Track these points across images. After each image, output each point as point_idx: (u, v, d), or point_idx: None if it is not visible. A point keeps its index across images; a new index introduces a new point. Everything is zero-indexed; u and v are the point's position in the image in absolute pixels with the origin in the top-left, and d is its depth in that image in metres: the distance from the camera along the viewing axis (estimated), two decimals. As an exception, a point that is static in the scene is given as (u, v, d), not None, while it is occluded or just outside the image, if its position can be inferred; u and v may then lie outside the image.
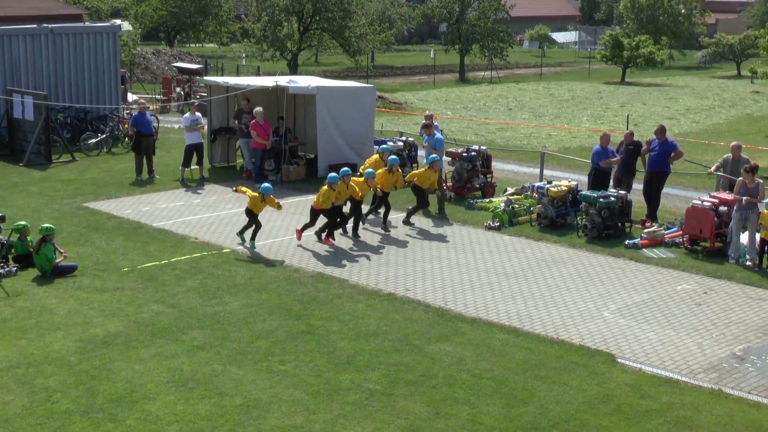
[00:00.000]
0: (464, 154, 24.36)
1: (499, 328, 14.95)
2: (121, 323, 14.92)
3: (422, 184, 21.48)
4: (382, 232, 20.81)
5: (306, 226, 20.09)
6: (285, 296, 16.35)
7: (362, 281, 17.29)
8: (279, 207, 19.90)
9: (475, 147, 25.09)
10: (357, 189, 20.11)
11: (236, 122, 26.60)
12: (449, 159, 24.79)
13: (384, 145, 23.26)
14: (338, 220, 20.14)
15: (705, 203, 19.45)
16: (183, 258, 18.57)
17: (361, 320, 15.17)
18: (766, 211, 18.34)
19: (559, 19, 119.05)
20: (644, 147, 22.25)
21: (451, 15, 68.20)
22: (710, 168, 22.46)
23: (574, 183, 22.09)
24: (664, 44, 76.12)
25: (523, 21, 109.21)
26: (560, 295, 16.65)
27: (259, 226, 19.67)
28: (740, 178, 19.16)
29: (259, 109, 25.22)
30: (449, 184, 24.41)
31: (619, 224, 20.65)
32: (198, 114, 26.31)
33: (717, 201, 19.45)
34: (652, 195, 21.82)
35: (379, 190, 20.79)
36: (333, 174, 19.81)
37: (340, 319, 15.20)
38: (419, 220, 21.96)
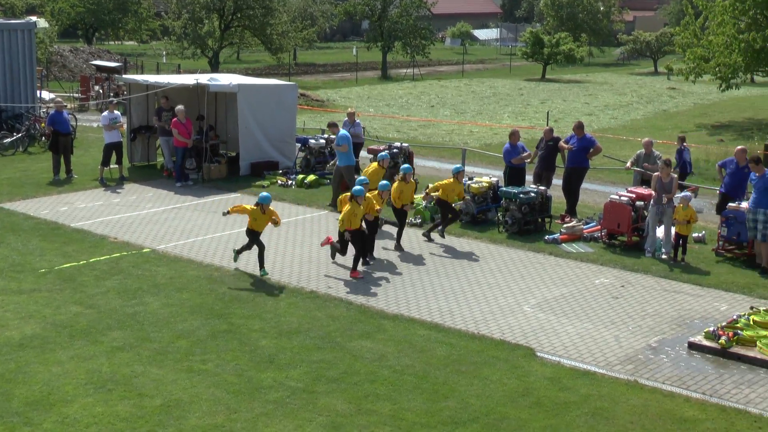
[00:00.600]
0: (386, 152, 24.43)
1: (421, 324, 15.06)
2: (37, 325, 14.69)
3: (447, 197, 19.87)
4: (396, 252, 19.26)
5: (336, 252, 18.33)
6: (206, 295, 16.27)
7: (284, 279, 17.28)
8: (278, 223, 17.92)
9: (397, 144, 25.23)
10: (374, 202, 18.30)
11: (157, 120, 26.36)
12: (371, 156, 24.87)
13: (383, 153, 21.27)
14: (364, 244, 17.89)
15: (622, 198, 19.83)
16: (102, 258, 18.35)
17: (282, 318, 15.16)
18: (680, 205, 18.77)
19: (481, 17, 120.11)
20: (561, 143, 22.57)
21: (373, 12, 68.37)
22: (627, 163, 22.92)
23: (495, 179, 22.35)
24: (584, 41, 77.36)
25: (445, 18, 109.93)
26: (481, 291, 16.83)
27: (262, 247, 17.68)
28: (656, 173, 19.57)
29: (180, 107, 25.03)
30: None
31: (539, 219, 20.96)
32: (117, 112, 26.00)
33: (634, 196, 19.84)
34: (571, 190, 22.17)
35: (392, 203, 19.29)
36: (358, 186, 17.64)
37: (262, 318, 15.17)
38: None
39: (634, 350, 14.10)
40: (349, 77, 63.18)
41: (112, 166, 25.73)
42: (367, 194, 17.85)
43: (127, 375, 12.82)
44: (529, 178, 23.20)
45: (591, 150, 22.23)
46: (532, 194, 20.69)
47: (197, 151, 26.00)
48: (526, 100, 49.80)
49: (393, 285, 17.09)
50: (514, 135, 22.75)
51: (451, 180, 19.92)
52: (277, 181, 25.52)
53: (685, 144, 24.80)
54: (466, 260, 18.73)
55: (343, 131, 23.42)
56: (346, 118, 26.99)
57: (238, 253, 17.96)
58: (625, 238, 19.71)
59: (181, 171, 25.24)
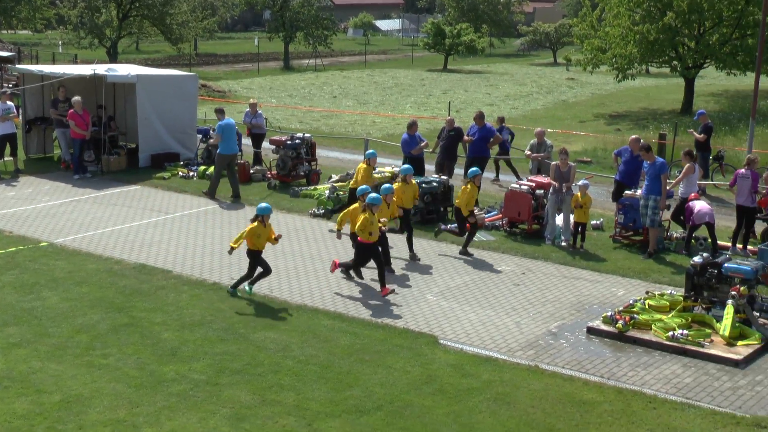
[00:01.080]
0: (288, 142, 24.39)
1: (325, 314, 15.10)
2: (-70, 323, 14.29)
3: (466, 205, 18.50)
4: (411, 260, 18.19)
5: (355, 267, 16.89)
6: (107, 289, 16.03)
7: (186, 271, 17.12)
8: (276, 240, 16.10)
9: (300, 135, 25.17)
10: (395, 207, 17.30)
11: (53, 111, 25.81)
12: (273, 147, 24.79)
13: (370, 151, 20.21)
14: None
15: (522, 187, 20.15)
16: (-3, 253, 17.95)
17: (185, 311, 15.03)
18: (578, 194, 19.16)
19: (383, 7, 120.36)
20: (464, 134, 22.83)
21: (274, 2, 67.97)
22: (526, 151, 23.30)
23: (397, 169, 22.46)
24: (485, 32, 78.24)
25: (347, 9, 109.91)
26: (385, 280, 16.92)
27: (269, 271, 15.99)
28: (554, 162, 19.94)
29: (77, 98, 24.53)
30: (273, 172, 24.42)
31: (442, 209, 21.16)
32: (9, 103, 25.39)
33: (534, 185, 20.18)
34: (473, 180, 22.42)
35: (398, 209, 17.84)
36: (374, 194, 16.21)
37: (164, 311, 15.01)
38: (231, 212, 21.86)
39: (535, 336, 14.37)
40: (251, 68, 62.74)
41: (6, 158, 25.11)
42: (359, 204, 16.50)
43: (24, 371, 12.57)
44: (430, 168, 23.41)
45: (491, 140, 22.53)
46: (434, 184, 20.87)
47: (96, 143, 25.55)
48: (428, 90, 50.14)
49: (297, 275, 17.09)
50: (412, 126, 22.92)
51: (468, 185, 18.51)
52: (178, 173, 25.23)
53: (504, 125, 25.38)
54: (370, 250, 18.81)
55: (227, 119, 23.22)
56: (248, 109, 26.83)
57: (235, 287, 15.93)
58: (525, 226, 20.05)
59: (79, 163, 24.77)
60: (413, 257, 18.24)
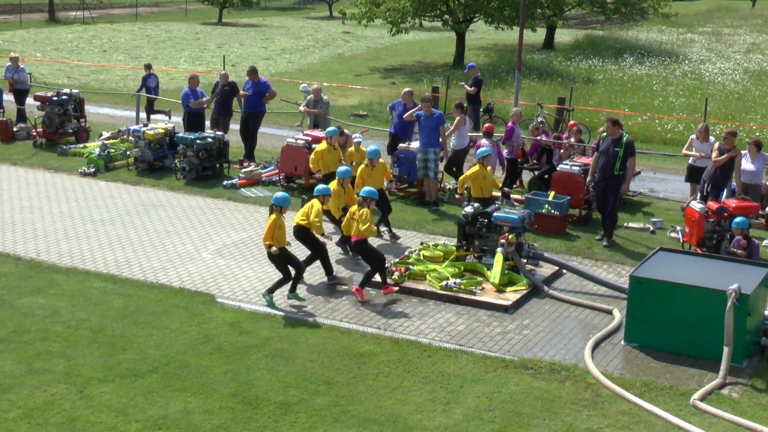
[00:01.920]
0: (55, 98, 23.36)
1: (96, 276, 14.63)
2: None
3: (482, 191, 16.90)
4: (390, 239, 17.04)
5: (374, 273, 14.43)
6: None
7: (-56, 237, 16.19)
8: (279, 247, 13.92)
9: (67, 90, 24.17)
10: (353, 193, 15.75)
11: None
12: (38, 104, 23.68)
13: (331, 128, 18.56)
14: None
15: (299, 141, 20.11)
16: None
17: (-57, 279, 14.21)
18: (352, 149, 19.29)
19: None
20: (241, 91, 22.46)
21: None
22: (301, 107, 23.24)
23: (171, 125, 21.97)
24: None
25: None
26: (159, 240, 16.57)
27: (301, 271, 14.17)
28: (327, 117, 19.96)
29: None
30: (39, 129, 23.37)
31: (217, 165, 20.87)
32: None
33: (310, 139, 20.18)
34: (249, 135, 22.23)
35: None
36: (323, 186, 14.75)
37: None
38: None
39: (315, 291, 14.44)
40: (11, 19, 59.54)
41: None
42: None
43: None
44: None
45: (267, 94, 22.37)
46: (210, 140, 20.55)
47: None
48: (203, 44, 49.21)
49: (66, 237, 16.46)
50: (193, 79, 22.43)
51: (477, 165, 17.02)
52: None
53: (150, 71, 25.69)
54: (143, 208, 18.35)
55: None
56: (9, 63, 25.49)
57: (273, 291, 13.92)
58: (303, 180, 20.06)
59: None
60: (393, 236, 17.09)
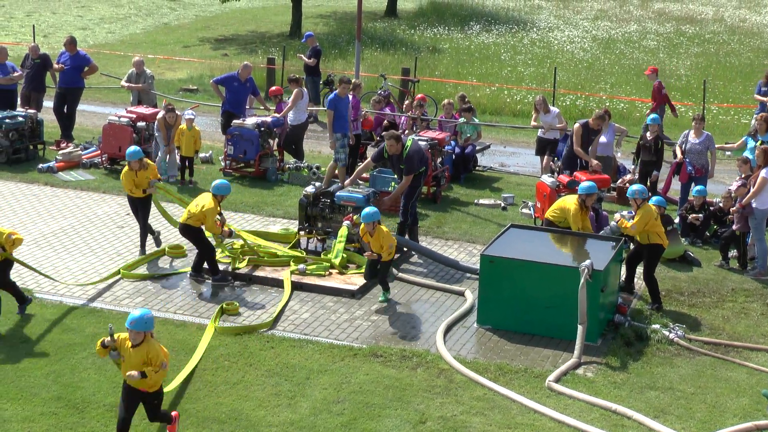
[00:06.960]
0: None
1: None
2: None
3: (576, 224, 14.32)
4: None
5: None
6: None
7: None
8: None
9: None
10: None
11: None
12: None
13: (133, 148, 15.58)
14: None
15: (122, 119, 19.75)
16: None
17: None
18: (184, 126, 19.09)
19: None
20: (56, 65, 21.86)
21: None
22: (122, 82, 22.84)
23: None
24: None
25: None
26: (-33, 231, 16.05)
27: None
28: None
29: None
30: None
31: (31, 146, 20.31)
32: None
33: (135, 116, 19.85)
34: (66, 113, 21.71)
35: None
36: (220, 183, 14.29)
37: None
38: None
39: (144, 284, 14.25)
40: None
41: None
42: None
43: None
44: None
45: (86, 68, 21.87)
46: (20, 119, 19.98)
47: None
48: (9, 12, 47.58)
49: None
50: (1, 52, 21.68)
51: (575, 206, 14.31)
52: None
53: None
54: (-52, 197, 17.74)
55: None
56: None
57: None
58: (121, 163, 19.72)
59: None
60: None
